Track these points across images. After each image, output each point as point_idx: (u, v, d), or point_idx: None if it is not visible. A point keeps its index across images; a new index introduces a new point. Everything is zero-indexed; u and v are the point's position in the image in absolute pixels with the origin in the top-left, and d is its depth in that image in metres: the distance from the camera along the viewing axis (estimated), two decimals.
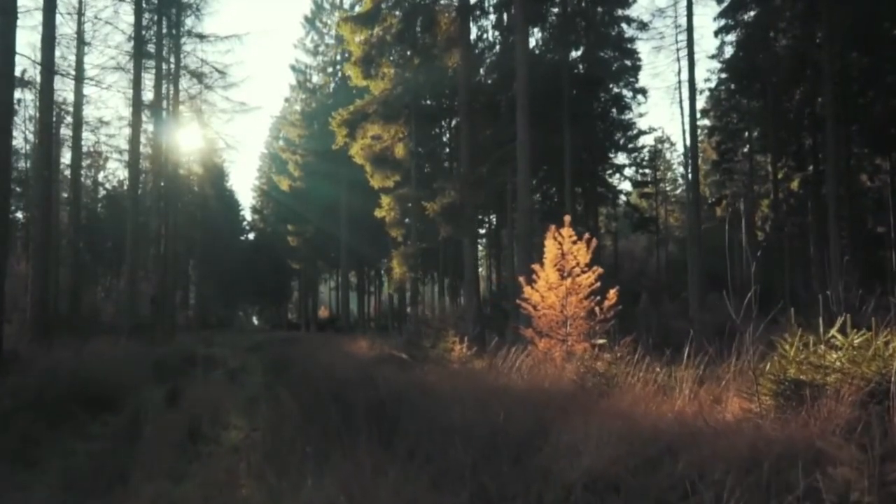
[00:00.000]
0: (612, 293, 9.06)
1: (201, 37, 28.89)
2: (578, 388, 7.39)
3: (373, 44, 19.14)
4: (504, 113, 28.13)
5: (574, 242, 9.30)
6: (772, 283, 42.88)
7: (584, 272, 9.21)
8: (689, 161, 25.70)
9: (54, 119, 32.19)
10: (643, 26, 29.45)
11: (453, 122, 37.97)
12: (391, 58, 19.30)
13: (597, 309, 9.18)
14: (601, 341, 9.21)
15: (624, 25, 30.07)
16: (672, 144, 60.11)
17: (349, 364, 12.61)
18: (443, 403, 6.44)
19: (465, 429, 5.32)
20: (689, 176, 41.62)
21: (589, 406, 6.27)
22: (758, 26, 26.32)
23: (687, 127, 38.60)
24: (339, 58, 40.22)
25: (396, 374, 9.44)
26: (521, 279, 9.88)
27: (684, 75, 25.52)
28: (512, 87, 29.94)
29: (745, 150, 41.92)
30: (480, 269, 64.01)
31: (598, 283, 9.15)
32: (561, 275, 9.34)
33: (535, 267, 9.62)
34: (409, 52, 20.38)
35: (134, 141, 25.34)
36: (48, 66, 16.93)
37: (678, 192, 60.77)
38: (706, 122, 52.12)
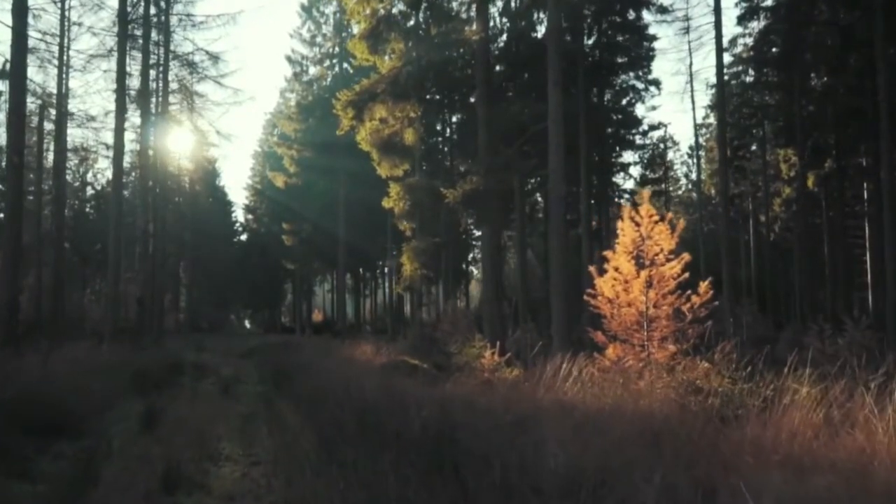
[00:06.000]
0: (705, 286, 7.21)
1: (190, 16, 26.93)
2: (688, 412, 5.54)
3: (381, 17, 17.32)
4: (513, 104, 26.35)
5: (655, 223, 7.45)
6: (783, 284, 41.45)
7: (668, 261, 7.37)
8: (719, 154, 23.85)
9: (38, 111, 30.40)
10: (663, 10, 27.70)
11: (454, 119, 36.38)
12: (405, 28, 17.48)
13: (682, 307, 7.32)
14: (672, 348, 7.43)
15: (643, 11, 28.26)
16: (675, 144, 58.69)
17: (362, 374, 10.71)
18: (525, 432, 4.57)
19: (586, 486, 3.45)
20: (699, 172, 39.95)
21: (731, 442, 4.42)
22: (794, 8, 24.53)
23: (698, 121, 37.07)
24: (337, 49, 38.49)
25: (429, 390, 7.58)
26: (592, 269, 7.99)
27: (710, 60, 23.76)
28: (521, 76, 28.29)
29: (753, 148, 40.51)
30: (475, 272, 62.28)
31: (686, 274, 7.30)
32: (637, 264, 7.48)
33: (608, 254, 7.76)
34: (422, 25, 18.60)
35: (118, 132, 23.30)
36: (20, 32, 15.03)
37: (680, 192, 59.49)
38: (711, 120, 50.72)
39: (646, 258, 7.42)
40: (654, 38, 29.91)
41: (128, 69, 25.06)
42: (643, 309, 7.31)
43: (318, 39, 39.79)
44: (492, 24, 30.72)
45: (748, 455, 3.93)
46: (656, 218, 7.52)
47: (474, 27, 16.37)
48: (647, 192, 8.15)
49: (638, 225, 7.51)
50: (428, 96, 25.86)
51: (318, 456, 5.05)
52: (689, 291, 7.29)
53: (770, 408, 5.08)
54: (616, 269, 7.58)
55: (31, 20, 24.28)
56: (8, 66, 29.16)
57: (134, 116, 28.91)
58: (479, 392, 7.46)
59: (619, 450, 4.21)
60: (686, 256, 7.33)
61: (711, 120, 49.72)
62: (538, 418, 5.18)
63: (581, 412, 5.59)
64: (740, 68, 38.70)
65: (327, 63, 39.66)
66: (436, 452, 4.23)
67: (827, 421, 4.58)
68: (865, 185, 30.67)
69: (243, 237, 61.39)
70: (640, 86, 33.30)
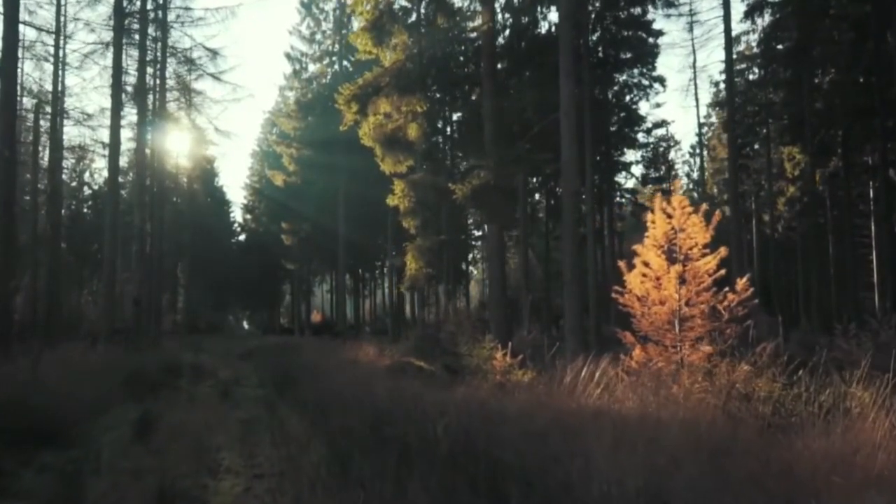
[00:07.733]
0: (743, 282, 6.69)
1: (188, 11, 26.39)
2: (735, 420, 5.02)
3: (383, 9, 16.81)
4: (519, 99, 25.84)
5: (689, 215, 6.92)
6: (785, 284, 40.97)
7: (703, 255, 6.84)
8: (729, 149, 23.39)
9: (34, 108, 29.83)
10: (669, 4, 27.16)
11: (454, 117, 35.86)
12: (407, 24, 17.00)
13: (718, 305, 6.79)
14: (708, 349, 6.92)
15: (649, 6, 27.71)
16: (677, 143, 58.38)
17: (368, 376, 10.19)
18: (564, 444, 4.05)
19: None
20: (702, 171, 39.64)
21: (800, 457, 3.91)
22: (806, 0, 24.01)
23: (700, 119, 36.61)
24: (337, 47, 38.01)
25: (445, 394, 7.05)
26: (622, 264, 7.48)
27: (715, 56, 23.27)
28: (524, 73, 27.77)
29: (756, 146, 40.14)
30: (475, 272, 61.85)
31: (724, 271, 6.77)
32: (669, 259, 6.96)
33: (638, 248, 7.24)
34: (422, 21, 18.12)
35: (114, 129, 22.71)
36: (11, 18, 14.47)
37: (682, 191, 59.15)
38: (714, 119, 50.31)
39: (679, 253, 6.90)
40: (659, 33, 29.29)
41: (124, 66, 24.51)
42: (676, 307, 6.79)
43: (318, 36, 39.27)
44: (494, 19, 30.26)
45: (829, 473, 3.42)
46: (690, 209, 7.00)
47: (478, 21, 15.86)
48: (678, 181, 7.64)
49: (670, 217, 6.99)
50: (429, 93, 25.37)
51: (329, 471, 4.54)
52: (726, 289, 6.78)
53: (832, 416, 4.57)
54: (645, 264, 7.07)
55: (26, 16, 23.78)
56: None
57: (131, 114, 28.41)
58: (499, 397, 6.94)
59: (676, 466, 3.70)
60: (723, 251, 6.81)
61: (714, 119, 49.34)
62: (571, 427, 4.67)
63: (615, 420, 5.08)
64: (745, 66, 38.28)
65: (327, 60, 39.16)
66: (471, 470, 3.72)
67: None
68: (871, 183, 30.23)
69: (242, 237, 60.77)
70: (645, 82, 32.78)
